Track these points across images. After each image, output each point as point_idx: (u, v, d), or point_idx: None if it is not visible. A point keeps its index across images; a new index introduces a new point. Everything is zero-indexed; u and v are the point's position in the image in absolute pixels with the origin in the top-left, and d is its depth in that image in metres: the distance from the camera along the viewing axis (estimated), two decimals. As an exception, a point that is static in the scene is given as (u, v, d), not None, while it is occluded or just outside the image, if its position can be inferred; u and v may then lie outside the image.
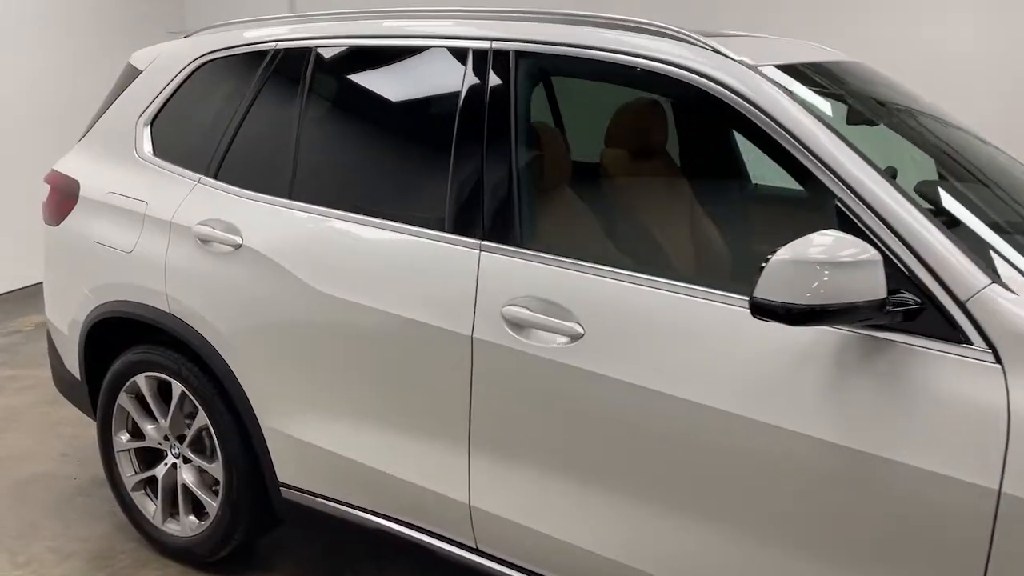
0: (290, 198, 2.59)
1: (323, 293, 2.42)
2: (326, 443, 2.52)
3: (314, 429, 2.54)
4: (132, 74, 3.16)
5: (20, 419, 4.21)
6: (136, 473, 3.09)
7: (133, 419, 3.05)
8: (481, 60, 2.32)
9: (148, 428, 3.00)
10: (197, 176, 2.80)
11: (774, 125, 1.91)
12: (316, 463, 2.57)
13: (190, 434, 2.88)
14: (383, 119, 2.62)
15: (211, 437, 2.81)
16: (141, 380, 2.95)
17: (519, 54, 2.27)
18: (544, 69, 2.43)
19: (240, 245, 2.59)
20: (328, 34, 2.66)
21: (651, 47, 2.10)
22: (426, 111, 2.54)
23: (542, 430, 2.13)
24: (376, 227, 2.40)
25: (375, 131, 2.65)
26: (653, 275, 2.00)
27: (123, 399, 3.02)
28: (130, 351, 2.95)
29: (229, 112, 2.80)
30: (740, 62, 2.01)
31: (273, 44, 2.75)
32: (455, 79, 2.36)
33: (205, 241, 2.68)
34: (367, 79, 2.66)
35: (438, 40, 2.44)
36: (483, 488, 2.25)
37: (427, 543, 2.43)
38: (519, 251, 2.18)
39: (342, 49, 2.65)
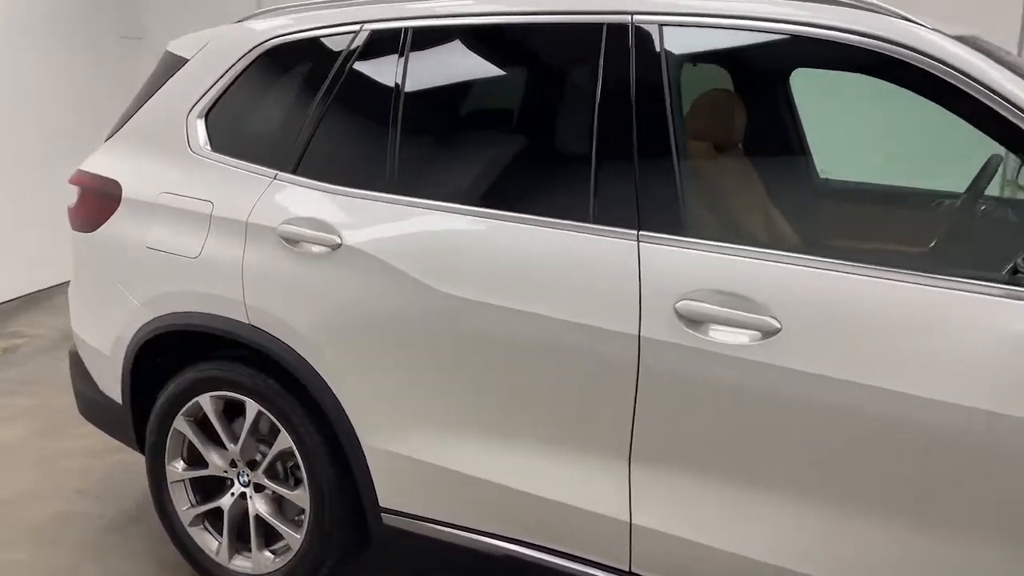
0: (394, 193, 2.35)
1: (449, 295, 2.19)
2: (447, 462, 2.28)
3: (431, 447, 2.29)
4: (174, 64, 2.85)
5: (14, 454, 3.78)
6: (193, 506, 2.76)
7: (190, 445, 2.74)
8: (620, 36, 2.13)
9: (211, 455, 2.69)
10: (272, 172, 2.52)
11: (986, 91, 1.78)
12: (431, 484, 2.32)
13: (267, 459, 2.59)
14: (501, 104, 2.41)
15: (294, 461, 2.53)
16: (205, 401, 2.64)
17: (663, 26, 2.09)
18: (693, 43, 2.25)
19: (339, 245, 2.33)
20: (426, 13, 2.43)
21: (838, 16, 1.95)
22: (553, 94, 2.34)
23: (723, 434, 1.94)
24: (507, 221, 2.18)
25: (494, 118, 2.44)
26: (864, 263, 1.84)
27: (180, 423, 2.70)
28: (192, 368, 2.65)
29: (307, 101, 2.54)
30: (937, 31, 1.88)
31: (357, 26, 2.50)
32: (588, 57, 2.16)
33: (292, 242, 2.40)
34: (479, 61, 2.44)
35: (563, 16, 2.24)
36: (647, 503, 2.05)
37: (569, 568, 2.21)
38: (688, 240, 1.99)
39: (446, 29, 2.42)
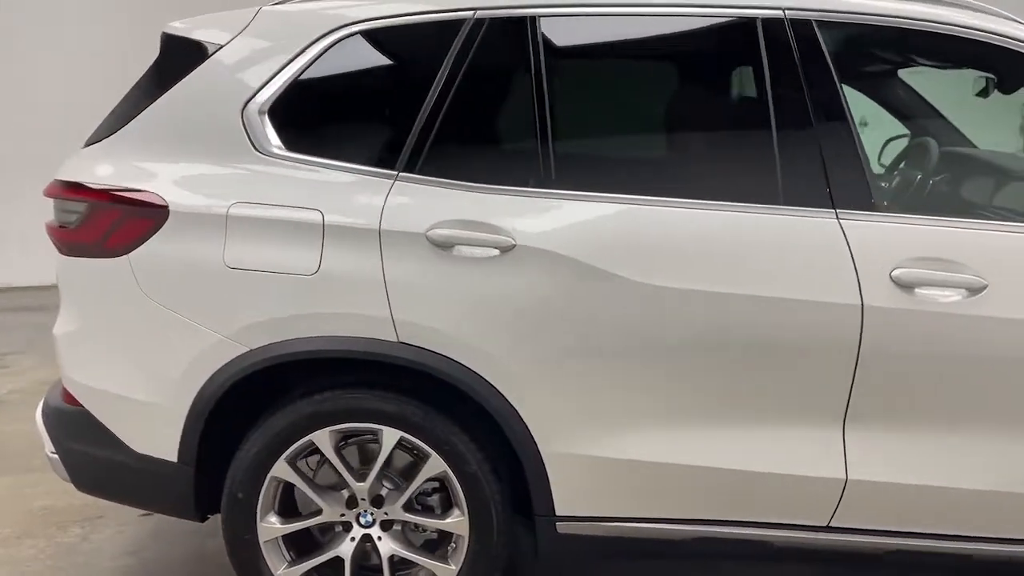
0: (555, 188, 2.25)
1: (656, 286, 2.17)
2: (644, 455, 2.26)
3: (626, 442, 2.26)
4: (193, 50, 2.40)
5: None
6: (293, 563, 2.38)
7: (285, 494, 2.36)
8: (778, 29, 2.27)
9: (325, 499, 2.34)
10: (389, 173, 2.26)
11: None
12: (622, 481, 2.29)
13: (409, 491, 2.32)
14: (660, 94, 2.40)
15: (446, 488, 2.32)
16: (323, 437, 2.29)
17: (820, 23, 2.28)
18: (847, 37, 2.44)
19: (513, 246, 2.18)
20: (552, 2, 2.34)
21: (967, 19, 2.29)
22: (711, 83, 2.40)
23: (938, 383, 2.20)
24: (694, 208, 2.22)
25: (659, 109, 2.42)
26: None
27: (282, 469, 2.31)
28: (304, 401, 2.28)
29: (416, 93, 2.31)
30: None
31: (469, 13, 2.33)
32: (745, 49, 2.28)
33: (446, 247, 2.20)
34: (627, 52, 2.41)
35: (706, 8, 2.32)
36: (862, 458, 2.24)
37: (762, 536, 2.33)
38: (885, 215, 2.22)
39: (581, 19, 2.35)
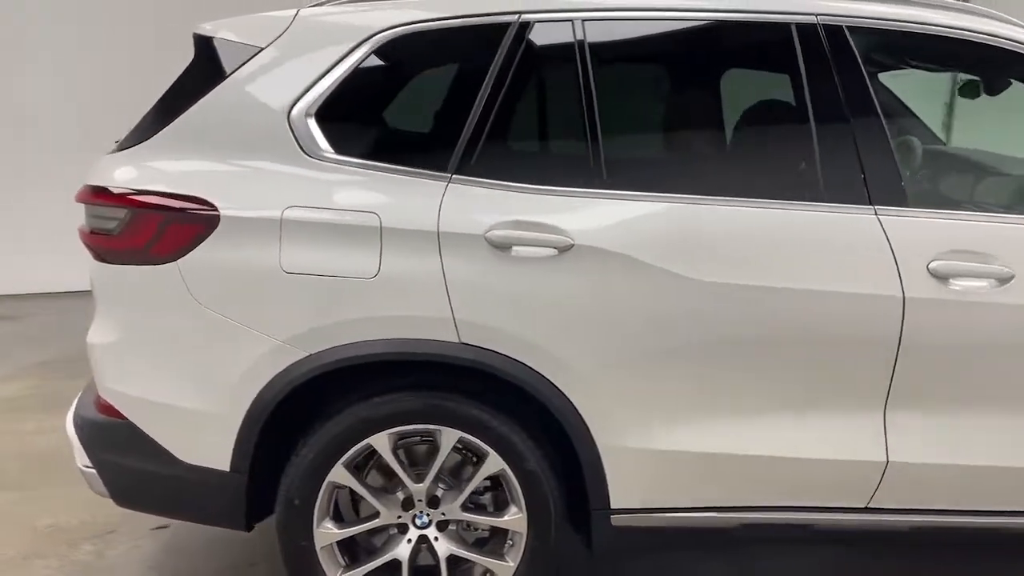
0: (608, 188, 2.30)
1: (709, 282, 2.24)
2: (696, 446, 2.33)
3: (681, 434, 2.32)
4: (232, 52, 2.37)
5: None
6: (348, 567, 2.37)
7: (337, 499, 2.35)
8: (812, 34, 2.37)
9: (381, 502, 2.34)
10: (442, 175, 2.28)
11: None
12: (674, 472, 2.35)
13: (467, 490, 2.34)
14: (705, 95, 2.47)
15: (497, 486, 2.35)
16: (381, 440, 2.29)
17: (851, 28, 2.39)
18: (877, 44, 2.54)
19: (572, 246, 2.22)
20: (597, 6, 2.39)
21: (980, 25, 2.43)
22: (755, 85, 2.47)
23: (968, 370, 2.33)
24: (748, 206, 2.30)
25: (702, 109, 2.48)
26: None
27: (339, 474, 2.30)
28: (363, 405, 2.27)
29: (464, 96, 2.33)
30: None
31: (513, 16, 2.36)
32: (780, 52, 2.37)
33: (504, 248, 2.22)
34: (673, 55, 2.47)
35: (746, 14, 2.39)
36: (903, 442, 2.35)
37: (806, 520, 2.42)
38: (919, 210, 2.34)
39: (624, 22, 2.40)
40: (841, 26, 2.37)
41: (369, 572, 2.37)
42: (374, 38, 2.32)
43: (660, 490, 2.38)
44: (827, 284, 2.27)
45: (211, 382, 2.27)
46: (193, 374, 2.28)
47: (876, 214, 2.30)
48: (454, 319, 2.22)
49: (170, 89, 2.46)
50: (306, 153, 2.28)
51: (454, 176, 2.28)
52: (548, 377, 2.25)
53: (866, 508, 2.42)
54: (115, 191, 2.28)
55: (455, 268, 2.22)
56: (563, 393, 2.26)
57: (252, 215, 2.23)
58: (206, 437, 2.30)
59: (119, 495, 2.43)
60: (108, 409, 2.35)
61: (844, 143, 2.33)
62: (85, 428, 2.39)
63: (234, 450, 2.28)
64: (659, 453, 2.33)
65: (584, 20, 2.35)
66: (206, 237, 2.23)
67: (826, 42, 2.35)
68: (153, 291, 2.26)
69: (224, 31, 2.44)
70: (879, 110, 2.35)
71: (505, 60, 2.32)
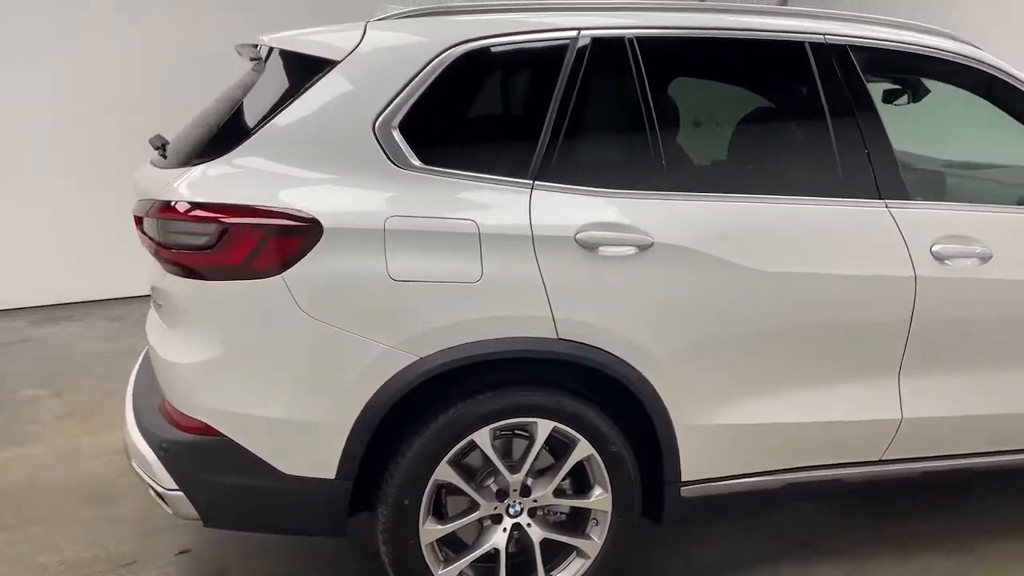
0: (673, 190, 2.53)
1: (765, 272, 2.53)
2: (752, 419, 2.61)
3: (740, 409, 2.60)
4: (309, 65, 2.40)
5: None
6: (450, 561, 2.46)
7: (438, 495, 2.44)
8: (825, 52, 2.72)
9: (481, 495, 2.45)
10: (525, 182, 2.42)
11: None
12: (733, 444, 2.63)
13: (558, 477, 2.49)
14: (747, 107, 2.74)
15: (588, 469, 2.53)
16: (483, 436, 2.40)
17: (852, 47, 2.76)
18: (873, 60, 2.90)
19: (651, 244, 2.44)
20: (646, 24, 2.61)
21: (949, 45, 2.88)
22: (782, 96, 2.77)
23: (963, 335, 2.77)
24: (792, 203, 2.61)
25: (746, 118, 2.75)
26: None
27: (443, 472, 2.39)
28: (468, 402, 2.37)
29: (538, 106, 2.48)
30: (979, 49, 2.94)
31: (573, 32, 2.54)
32: (800, 67, 2.71)
33: (591, 248, 2.40)
34: (716, 70, 2.73)
35: (770, 33, 2.70)
36: (914, 402, 2.76)
37: (839, 476, 2.78)
38: (919, 202, 2.74)
39: (671, 41, 2.64)
40: (845, 45, 2.74)
41: (466, 564, 2.48)
42: (447, 52, 2.42)
43: (720, 461, 2.64)
44: (859, 269, 2.63)
45: (320, 392, 2.29)
46: (301, 385, 2.29)
47: (887, 207, 2.69)
48: (552, 317, 2.37)
49: (237, 101, 2.44)
50: (395, 164, 2.35)
51: (536, 183, 2.43)
52: (634, 365, 2.45)
53: (880, 460, 2.82)
54: (210, 207, 2.25)
55: (551, 269, 2.37)
56: (646, 379, 2.47)
57: (355, 226, 2.28)
58: (312, 447, 2.32)
59: (212, 515, 2.39)
60: (200, 428, 2.31)
61: (858, 146, 2.70)
62: (172, 450, 2.33)
63: (341, 458, 2.31)
64: (720, 427, 2.59)
65: (634, 39, 2.57)
66: (310, 249, 2.25)
67: (836, 59, 2.71)
68: (258, 305, 2.25)
69: (293, 44, 2.45)
70: (880, 118, 2.74)
71: (571, 73, 2.49)
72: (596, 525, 2.57)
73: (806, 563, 2.97)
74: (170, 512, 2.42)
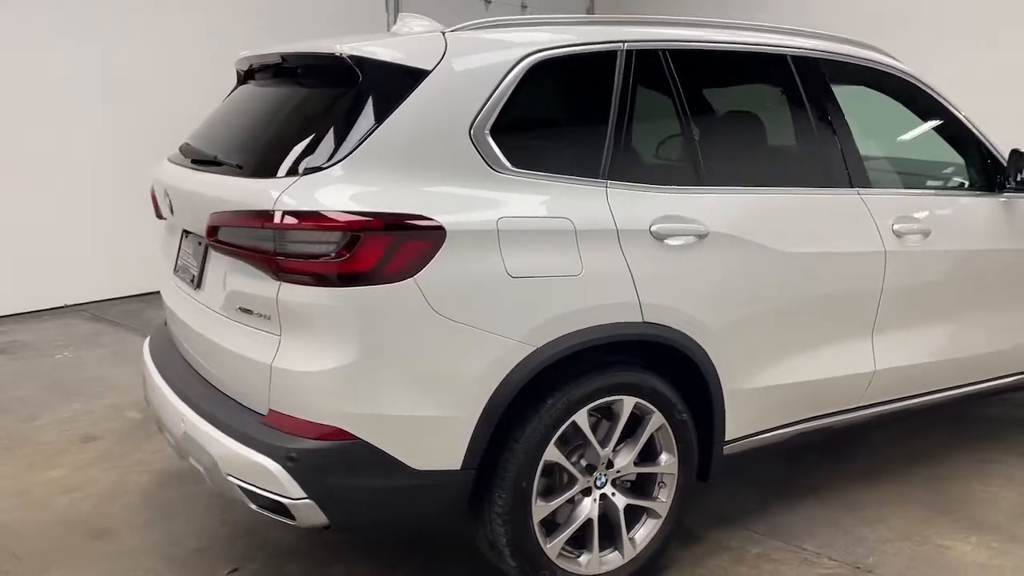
0: (714, 184, 2.87)
1: (791, 253, 2.95)
2: (778, 380, 3.02)
3: (770, 372, 3.00)
4: (401, 75, 2.48)
5: None
6: (550, 536, 2.65)
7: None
8: (802, 64, 3.19)
9: (577, 471, 2.65)
10: (599, 182, 2.66)
11: (928, 90, 3.57)
12: (763, 403, 3.02)
13: (638, 447, 2.75)
14: (763, 108, 3.14)
15: (656, 437, 2.81)
16: (582, 417, 2.61)
17: (824, 61, 3.26)
18: (836, 71, 3.36)
19: (708, 234, 2.77)
20: (675, 38, 2.93)
21: (877, 56, 3.45)
22: (787, 102, 3.18)
23: (916, 296, 3.35)
24: (798, 194, 3.07)
25: (766, 119, 3.15)
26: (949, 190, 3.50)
27: (551, 452, 2.57)
28: (572, 385, 2.56)
29: (596, 113, 2.73)
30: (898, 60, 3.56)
31: (619, 44, 2.80)
32: (788, 76, 3.17)
33: (661, 238, 2.69)
34: (732, 79, 3.09)
35: (762, 47, 3.13)
36: (882, 355, 3.30)
37: (830, 423, 3.28)
38: (881, 190, 3.29)
39: (696, 53, 2.97)
40: (818, 59, 3.23)
41: (568, 536, 2.68)
42: (524, 61, 2.60)
43: (752, 420, 3.03)
44: (850, 247, 3.13)
45: (449, 387, 2.39)
46: (432, 382, 2.38)
47: (859, 194, 3.21)
48: (639, 302, 2.63)
49: (331, 111, 2.47)
50: (492, 168, 2.50)
51: (608, 182, 2.68)
52: (697, 340, 2.77)
53: (859, 407, 3.35)
54: (339, 217, 2.28)
55: (634, 259, 2.63)
56: (705, 351, 2.80)
57: (473, 228, 2.40)
58: (440, 441, 2.42)
59: (343, 519, 2.41)
60: (331, 433, 2.34)
61: (836, 143, 3.19)
62: (302, 458, 2.33)
63: (468, 448, 2.43)
64: (758, 390, 2.98)
65: (667, 50, 2.89)
66: (436, 252, 2.35)
67: (814, 70, 3.19)
68: (391, 309, 2.32)
69: (383, 53, 2.50)
70: (851, 127, 3.26)
71: (619, 82, 2.77)
72: (663, 487, 2.86)
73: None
74: (289, 522, 2.41)
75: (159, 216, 3.18)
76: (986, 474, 3.76)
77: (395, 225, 2.32)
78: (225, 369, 2.62)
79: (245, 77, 3.14)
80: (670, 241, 2.71)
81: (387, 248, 2.31)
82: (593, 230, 2.58)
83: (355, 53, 2.50)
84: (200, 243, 2.79)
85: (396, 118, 2.43)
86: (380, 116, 2.42)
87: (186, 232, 2.93)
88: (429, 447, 2.42)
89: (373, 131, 2.40)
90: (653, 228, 2.68)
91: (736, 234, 2.84)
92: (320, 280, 2.30)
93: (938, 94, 3.59)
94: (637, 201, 2.70)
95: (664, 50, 2.88)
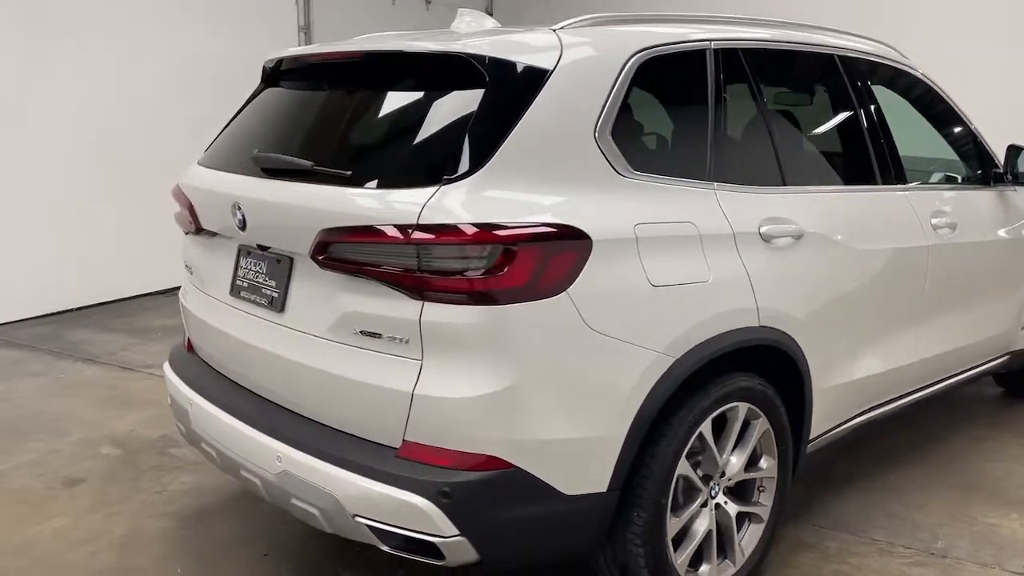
0: (789, 184, 2.87)
1: (864, 251, 3.00)
2: (852, 376, 3.07)
3: (847, 368, 3.04)
4: (531, 77, 2.32)
5: None
6: (679, 549, 2.56)
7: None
8: (852, 64, 3.26)
9: (700, 481, 2.58)
10: (710, 183, 2.60)
11: (936, 88, 3.74)
12: (838, 400, 3.06)
13: (747, 453, 2.70)
14: (829, 108, 3.14)
15: (758, 444, 2.78)
16: (706, 426, 2.54)
17: (866, 61, 3.35)
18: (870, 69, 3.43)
19: (803, 234, 2.76)
20: (753, 37, 2.92)
21: (886, 51, 3.57)
22: (846, 101, 3.22)
23: (948, 286, 3.49)
24: (865, 192, 3.16)
25: (833, 118, 3.16)
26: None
27: (683, 467, 2.49)
28: (693, 400, 2.48)
29: (697, 113, 2.67)
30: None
31: (706, 43, 2.74)
32: (845, 76, 3.24)
33: (768, 240, 2.66)
34: (803, 79, 3.11)
35: (821, 47, 3.18)
36: (924, 345, 3.41)
37: (880, 414, 3.36)
38: (918, 186, 3.40)
39: (772, 52, 2.97)
40: (863, 59, 3.31)
41: (694, 549, 2.61)
42: (633, 58, 2.50)
43: (830, 416, 3.06)
44: (909, 241, 3.22)
45: (601, 406, 2.27)
46: (585, 402, 2.24)
47: (905, 190, 3.31)
48: (757, 306, 2.59)
49: (463, 115, 2.28)
50: (617, 171, 2.39)
51: (716, 184, 2.62)
52: (798, 341, 2.76)
53: (910, 392, 3.47)
54: (494, 230, 2.10)
55: (749, 262, 2.59)
56: (803, 352, 2.79)
57: (615, 236, 2.28)
58: (590, 463, 2.29)
59: (495, 553, 2.23)
60: (485, 463, 2.16)
61: (888, 141, 3.29)
62: (457, 493, 2.13)
63: (615, 468, 2.31)
64: (836, 387, 3.01)
65: (745, 49, 2.86)
66: (585, 263, 2.22)
67: (868, 71, 3.27)
68: (546, 325, 2.16)
69: (506, 52, 2.33)
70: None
71: (711, 81, 2.71)
72: (763, 492, 2.83)
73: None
74: (434, 562, 2.22)
75: (198, 231, 2.85)
76: (988, 451, 3.98)
77: (546, 236, 2.17)
78: (332, 399, 2.38)
79: (292, 76, 2.86)
80: (776, 242, 2.68)
81: (540, 261, 2.15)
82: (714, 234, 2.52)
83: (480, 52, 2.31)
84: (279, 260, 2.52)
85: (527, 121, 2.27)
86: (511, 119, 2.26)
87: (253, 248, 2.63)
88: (579, 470, 2.28)
89: (506, 135, 2.23)
90: (762, 230, 2.64)
91: (824, 233, 2.85)
92: (474, 298, 2.11)
93: (941, 90, 3.75)
94: (743, 203, 2.65)
95: (743, 49, 2.85)
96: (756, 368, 2.72)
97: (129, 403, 4.54)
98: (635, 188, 2.41)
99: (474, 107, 2.27)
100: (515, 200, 2.19)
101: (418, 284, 2.13)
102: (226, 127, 3.04)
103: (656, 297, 2.34)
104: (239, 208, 2.54)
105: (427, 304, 2.14)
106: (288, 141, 2.68)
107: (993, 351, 4.01)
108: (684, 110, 2.74)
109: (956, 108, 3.82)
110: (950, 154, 3.93)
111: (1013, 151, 3.88)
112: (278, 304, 2.51)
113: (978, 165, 3.91)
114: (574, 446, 2.25)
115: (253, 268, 2.64)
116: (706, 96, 2.68)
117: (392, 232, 2.13)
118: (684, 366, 2.40)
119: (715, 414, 2.57)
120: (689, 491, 2.59)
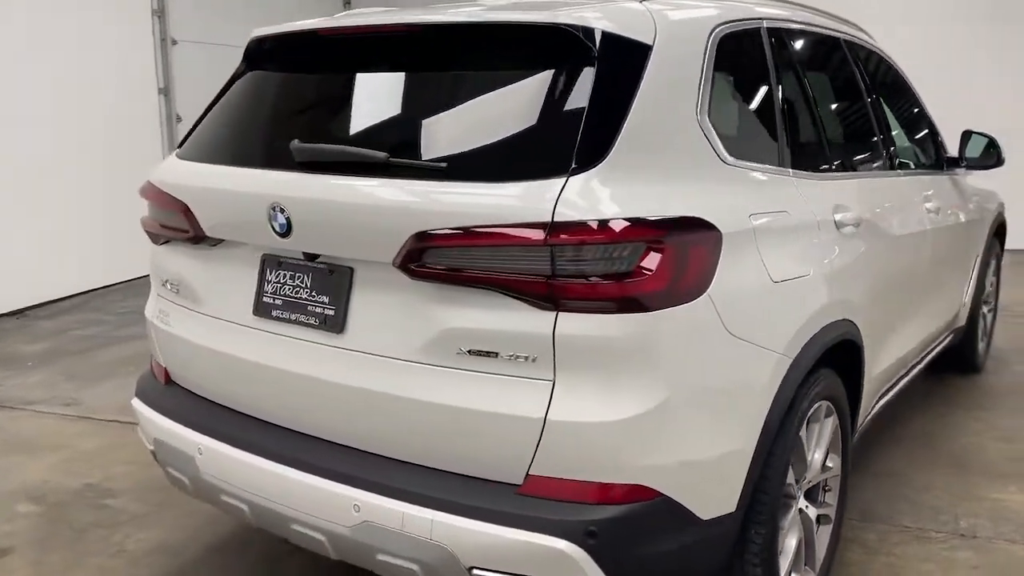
0: (841, 171, 2.78)
1: (898, 236, 2.97)
2: (886, 362, 3.04)
3: (883, 354, 2.99)
4: (635, 54, 2.05)
5: None
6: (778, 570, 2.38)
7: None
8: (850, 47, 3.21)
9: (797, 487, 2.42)
10: (786, 170, 2.45)
11: (903, 74, 3.80)
12: (876, 387, 3.01)
13: (822, 453, 2.56)
14: (854, 92, 3.08)
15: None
16: (803, 431, 2.37)
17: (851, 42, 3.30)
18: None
19: (861, 220, 2.66)
20: (797, 18, 2.82)
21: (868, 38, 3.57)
22: (868, 87, 3.18)
23: (935, 268, 3.56)
24: (891, 177, 3.17)
25: (857, 104, 3.11)
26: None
27: (788, 475, 2.31)
28: (797, 403, 2.29)
29: (764, 96, 2.51)
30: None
31: (759, 22, 2.57)
32: (865, 61, 3.25)
33: (840, 227, 2.55)
34: (830, 63, 3.01)
35: (842, 33, 3.13)
36: (923, 324, 3.46)
37: (900, 388, 3.37)
38: (912, 172, 3.42)
39: (807, 33, 2.88)
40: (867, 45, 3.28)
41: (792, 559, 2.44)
42: (713, 34, 2.29)
43: (868, 404, 2.99)
44: (916, 227, 3.22)
45: (737, 417, 2.04)
46: (723, 415, 2.01)
47: (905, 176, 3.32)
48: (840, 298, 2.46)
49: (568, 94, 1.97)
50: (721, 158, 2.17)
51: (791, 171, 2.46)
52: (862, 332, 2.66)
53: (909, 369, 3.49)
54: (640, 226, 1.82)
55: (831, 252, 2.46)
56: (863, 343, 2.69)
57: (737, 229, 2.07)
58: (724, 482, 2.06)
59: None
60: (630, 492, 1.88)
61: (890, 128, 3.28)
62: (604, 533, 1.83)
63: (744, 485, 2.10)
64: (878, 374, 2.97)
65: (794, 29, 2.74)
66: (718, 260, 1.98)
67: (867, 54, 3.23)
68: (690, 332, 1.91)
69: (610, 25, 2.03)
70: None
71: (773, 61, 2.57)
72: (829, 491, 2.71)
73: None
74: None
75: (195, 238, 2.37)
76: (954, 427, 4.07)
77: (688, 230, 1.92)
78: (428, 432, 2.00)
79: (316, 54, 2.41)
80: (844, 231, 2.56)
81: (682, 259, 1.90)
82: (804, 224, 2.37)
83: (584, 24, 2.01)
84: (332, 271, 2.11)
85: (640, 102, 2.00)
86: (626, 100, 1.99)
87: (289, 258, 2.20)
88: (714, 490, 2.05)
89: (624, 118, 1.96)
90: (836, 217, 2.51)
91: (873, 220, 2.79)
92: (622, 305, 1.82)
93: (905, 75, 3.80)
94: (815, 190, 2.53)
95: (787, 30, 2.73)
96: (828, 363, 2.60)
97: (28, 448, 3.85)
98: (736, 175, 2.21)
99: (587, 86, 1.97)
100: (645, 192, 1.93)
101: (553, 292, 1.82)
102: (206, 114, 2.56)
103: (776, 294, 2.15)
104: (280, 210, 2.10)
105: (562, 315, 1.83)
106: (328, 130, 2.26)
107: (947, 329, 4.14)
108: (753, 92, 2.56)
109: (916, 92, 3.89)
110: (912, 140, 4.01)
111: (966, 137, 4.00)
112: (336, 324, 2.10)
113: (934, 150, 4.01)
114: (712, 465, 2.02)
115: (290, 282, 2.21)
116: (768, 79, 2.53)
117: (522, 233, 1.80)
118: (799, 368, 2.22)
119: (808, 416, 2.41)
120: (787, 499, 2.42)
